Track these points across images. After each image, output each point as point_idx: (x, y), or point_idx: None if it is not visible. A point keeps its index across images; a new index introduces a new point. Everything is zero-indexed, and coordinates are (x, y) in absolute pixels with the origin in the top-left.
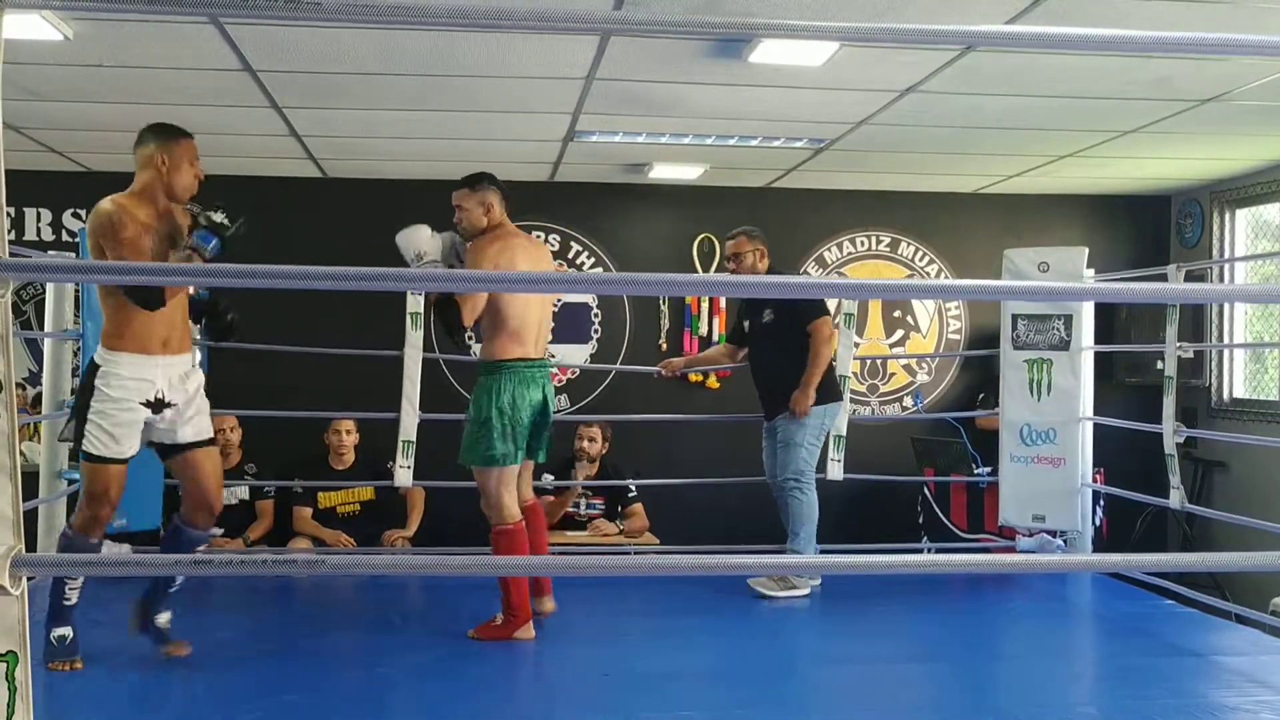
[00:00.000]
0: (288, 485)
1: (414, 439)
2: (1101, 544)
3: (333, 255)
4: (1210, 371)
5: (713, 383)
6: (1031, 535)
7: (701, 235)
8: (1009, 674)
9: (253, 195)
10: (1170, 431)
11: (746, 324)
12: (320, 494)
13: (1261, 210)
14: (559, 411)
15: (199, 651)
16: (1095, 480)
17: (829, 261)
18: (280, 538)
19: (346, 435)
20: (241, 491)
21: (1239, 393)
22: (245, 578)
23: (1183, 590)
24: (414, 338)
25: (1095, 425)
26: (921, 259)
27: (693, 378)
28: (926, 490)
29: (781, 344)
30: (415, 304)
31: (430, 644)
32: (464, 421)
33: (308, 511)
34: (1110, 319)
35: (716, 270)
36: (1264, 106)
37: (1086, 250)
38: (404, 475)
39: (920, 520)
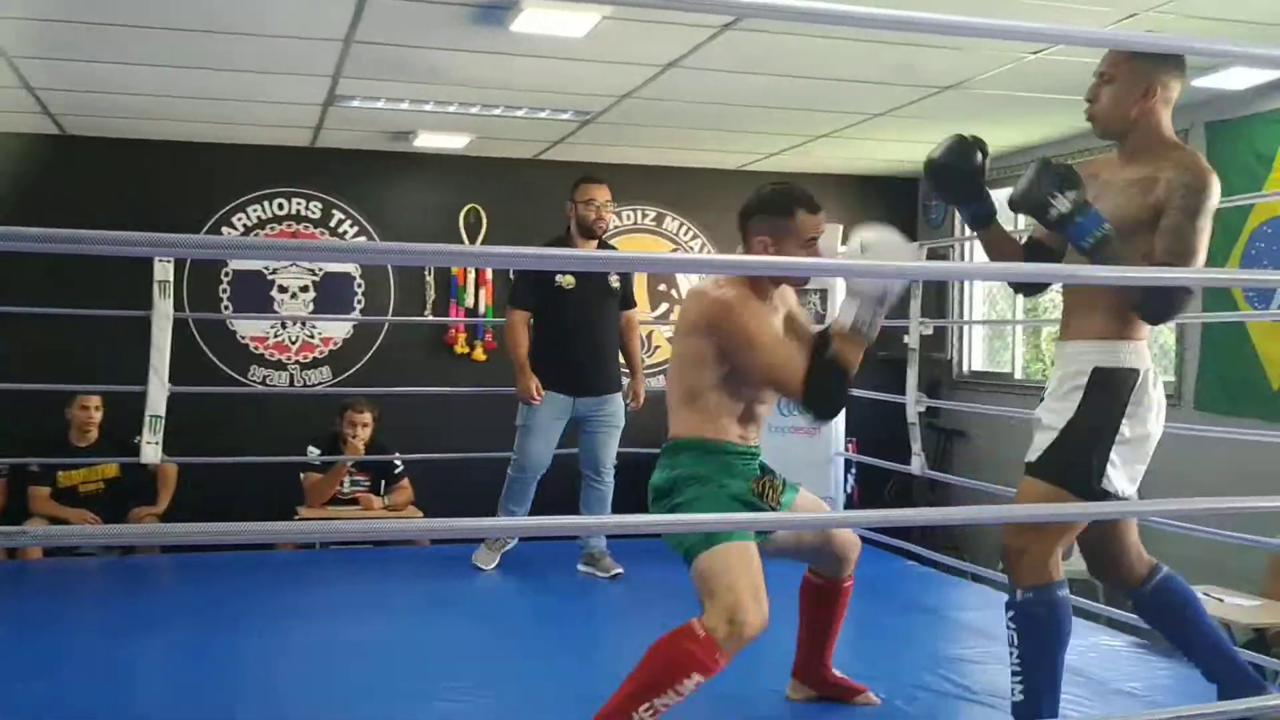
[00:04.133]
0: (23, 464)
1: (162, 413)
2: (853, 510)
3: (77, 218)
4: (952, 345)
5: (479, 354)
6: None
7: (469, 206)
8: (769, 635)
9: None
10: (913, 402)
11: (567, 281)
12: (60, 472)
13: (999, 194)
14: (320, 384)
15: None
16: (848, 449)
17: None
18: (15, 519)
19: (95, 411)
20: None
21: (978, 365)
22: None
23: (924, 551)
24: (163, 306)
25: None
26: (686, 233)
27: (463, 351)
28: None
29: (616, 314)
30: (163, 271)
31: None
32: None
33: (45, 491)
34: None
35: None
36: (1001, 95)
37: (841, 228)
38: (151, 451)
39: None
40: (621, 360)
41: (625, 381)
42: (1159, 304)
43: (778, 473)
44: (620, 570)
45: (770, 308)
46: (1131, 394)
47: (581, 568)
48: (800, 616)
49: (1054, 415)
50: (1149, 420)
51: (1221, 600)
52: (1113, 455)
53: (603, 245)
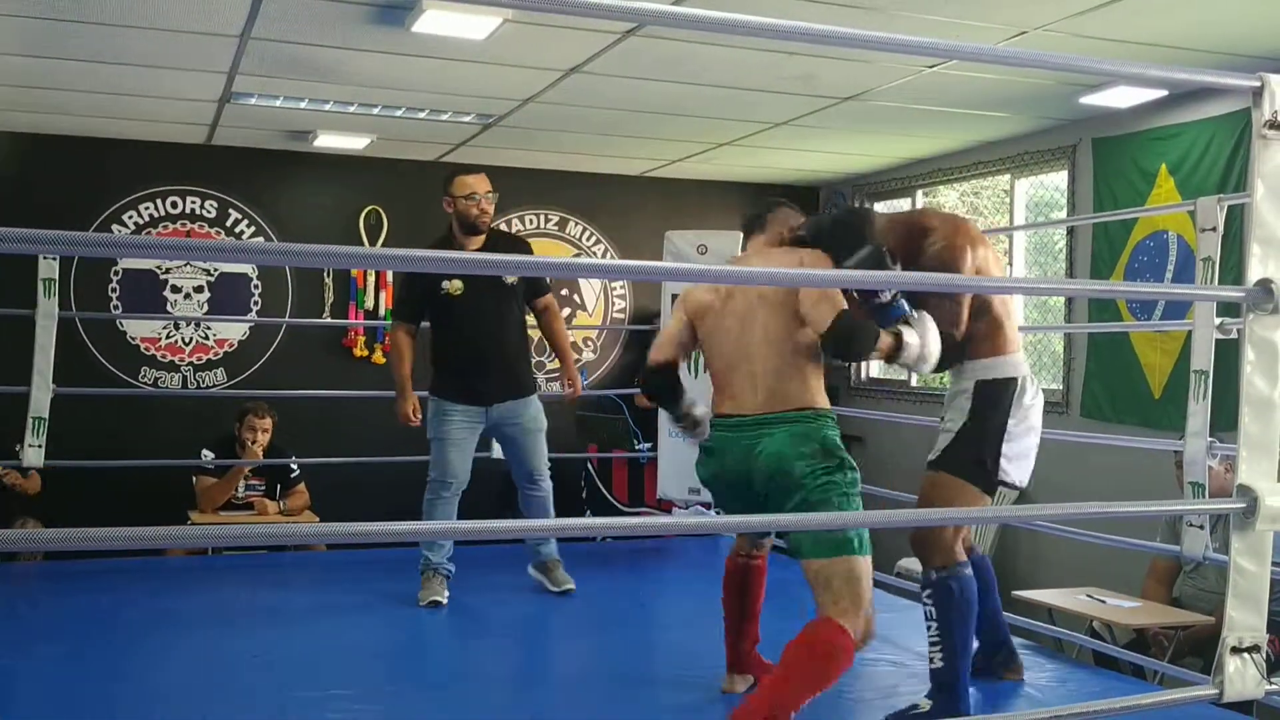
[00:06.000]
0: None
1: (46, 416)
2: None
3: None
4: None
5: (378, 358)
6: (687, 508)
7: (369, 207)
8: (666, 640)
9: None
10: None
11: (454, 286)
12: None
13: (897, 204)
14: (215, 387)
15: None
16: None
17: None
18: None
19: None
20: None
21: (875, 372)
22: None
23: None
24: (47, 305)
25: None
26: (589, 238)
27: (362, 354)
28: (590, 465)
29: (519, 313)
30: (48, 269)
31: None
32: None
33: None
34: None
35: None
36: (899, 108)
37: (741, 235)
38: (34, 455)
39: (584, 495)
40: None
41: (542, 380)
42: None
43: None
44: (572, 586)
45: None
46: (1014, 398)
47: (533, 573)
48: (725, 603)
49: (951, 421)
50: (1031, 417)
51: (1103, 602)
52: (1005, 450)
53: (495, 239)
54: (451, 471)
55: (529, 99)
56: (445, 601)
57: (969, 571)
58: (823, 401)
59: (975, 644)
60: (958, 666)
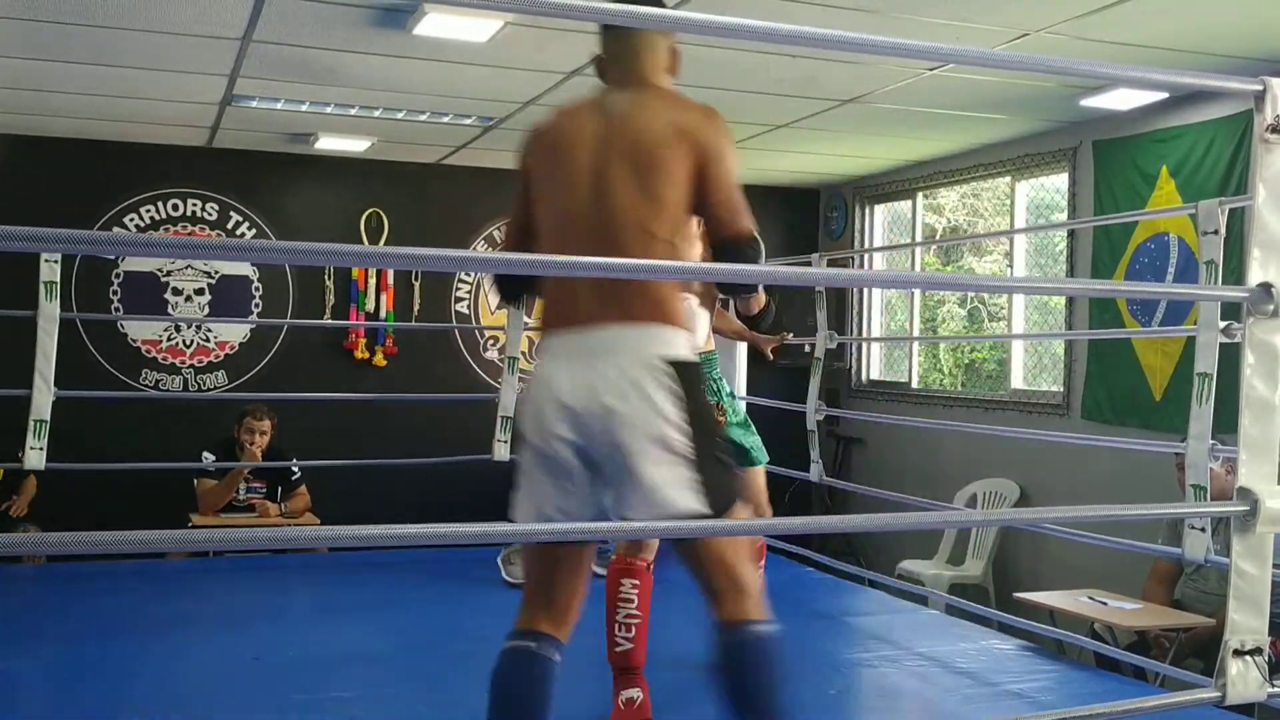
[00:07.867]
0: None
1: (47, 418)
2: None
3: None
4: (851, 355)
5: (380, 360)
6: None
7: (370, 210)
8: (661, 641)
9: None
10: (812, 410)
11: None
12: None
13: (897, 206)
14: (215, 389)
15: None
16: None
17: (500, 241)
18: None
19: None
20: None
21: (875, 375)
22: None
23: (821, 558)
24: (49, 309)
25: (749, 404)
26: None
27: (363, 356)
28: None
29: None
30: (50, 272)
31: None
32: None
33: None
34: None
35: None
36: (900, 110)
37: None
38: (35, 456)
39: None
40: None
41: None
42: None
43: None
44: None
45: None
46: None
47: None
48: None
49: None
50: (528, 429)
51: (1105, 604)
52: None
53: None
54: None
55: (531, 101)
56: None
57: (515, 643)
58: None
59: None
60: None
